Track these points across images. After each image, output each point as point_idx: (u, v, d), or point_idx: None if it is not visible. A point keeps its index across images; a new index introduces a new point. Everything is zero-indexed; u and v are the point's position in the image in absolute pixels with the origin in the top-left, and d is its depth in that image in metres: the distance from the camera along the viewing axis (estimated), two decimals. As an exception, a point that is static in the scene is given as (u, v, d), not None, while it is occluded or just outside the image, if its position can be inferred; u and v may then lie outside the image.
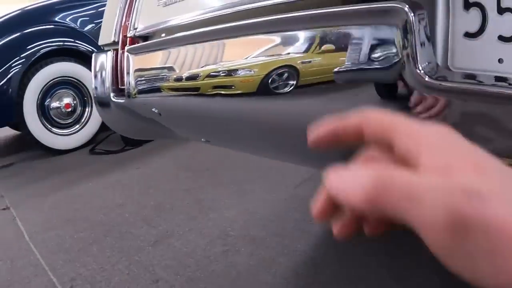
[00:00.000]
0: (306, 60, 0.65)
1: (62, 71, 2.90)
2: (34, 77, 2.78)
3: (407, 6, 0.48)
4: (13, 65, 2.71)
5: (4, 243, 1.76)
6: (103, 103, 1.18)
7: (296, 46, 0.64)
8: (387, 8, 0.50)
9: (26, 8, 3.04)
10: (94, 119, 3.05)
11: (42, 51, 2.79)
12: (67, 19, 3.02)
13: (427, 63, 0.49)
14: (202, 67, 0.81)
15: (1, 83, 2.69)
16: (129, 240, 1.59)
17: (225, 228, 1.55)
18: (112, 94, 1.11)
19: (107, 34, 1.13)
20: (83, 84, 3.02)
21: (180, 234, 1.57)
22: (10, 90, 2.71)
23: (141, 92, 1.01)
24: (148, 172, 2.39)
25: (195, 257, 1.40)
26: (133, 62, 1.01)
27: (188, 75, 0.89)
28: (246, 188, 1.89)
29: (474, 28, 0.48)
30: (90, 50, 3.01)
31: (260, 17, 0.68)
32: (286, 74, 0.68)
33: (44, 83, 2.82)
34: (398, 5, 0.49)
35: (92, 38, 3.05)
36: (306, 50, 0.64)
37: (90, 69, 3.02)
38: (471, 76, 0.47)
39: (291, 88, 0.67)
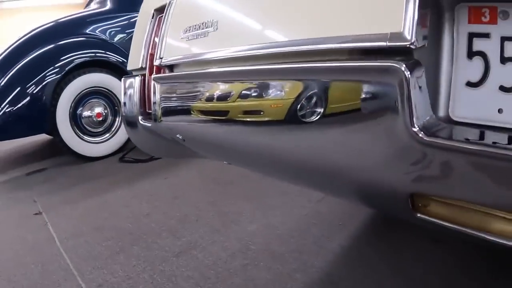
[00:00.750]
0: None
1: (94, 81, 3.04)
2: (67, 87, 2.92)
3: (404, 65, 0.50)
4: (47, 75, 2.86)
5: (36, 247, 1.86)
6: (131, 124, 1.26)
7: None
8: (384, 67, 0.52)
9: (60, 20, 3.21)
10: (124, 129, 3.16)
11: (75, 62, 2.93)
12: (98, 31, 3.16)
13: (423, 120, 0.51)
14: (224, 100, 0.86)
15: (36, 92, 2.84)
16: (154, 250, 1.66)
17: (247, 242, 1.60)
18: (140, 117, 1.19)
19: (135, 60, 1.21)
20: (114, 94, 3.15)
21: (203, 246, 1.62)
22: (45, 98, 2.85)
23: (166, 118, 1.07)
24: (175, 182, 2.47)
25: (216, 269, 1.45)
26: (159, 90, 1.07)
27: (211, 107, 0.94)
28: (268, 202, 1.93)
29: (476, 77, 0.52)
30: (121, 61, 3.14)
31: (272, 63, 0.72)
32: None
33: (76, 93, 2.96)
34: (395, 65, 0.50)
35: (122, 49, 3.18)
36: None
37: (120, 80, 3.14)
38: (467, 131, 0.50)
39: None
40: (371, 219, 1.66)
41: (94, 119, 3.09)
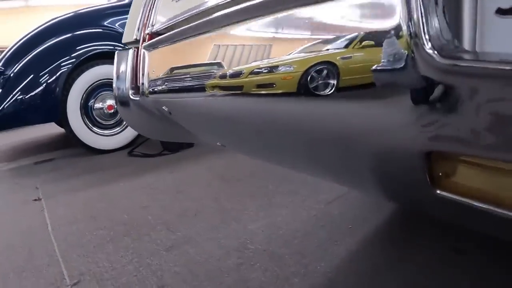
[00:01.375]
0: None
1: (107, 73, 2.98)
2: (79, 77, 2.87)
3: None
4: (61, 64, 2.83)
5: (27, 232, 1.77)
6: (123, 102, 1.16)
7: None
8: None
9: (79, 11, 3.18)
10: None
11: (90, 53, 2.88)
12: (116, 24, 3.11)
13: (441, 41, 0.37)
14: (213, 65, 0.74)
15: (49, 81, 2.81)
16: (145, 242, 1.54)
17: (245, 241, 1.46)
18: (130, 92, 1.08)
19: (130, 32, 1.11)
20: (128, 87, 3.07)
21: (197, 242, 1.49)
22: (57, 88, 2.82)
23: (153, 90, 0.95)
24: (180, 177, 2.35)
25: (207, 267, 1.31)
26: (148, 59, 0.97)
27: (199, 72, 0.82)
28: (276, 201, 1.78)
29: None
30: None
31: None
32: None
33: (89, 84, 2.91)
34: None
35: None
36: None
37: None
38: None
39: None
40: (386, 224, 1.49)
41: (105, 111, 3.02)
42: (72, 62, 2.83)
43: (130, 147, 3.04)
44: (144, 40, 1.06)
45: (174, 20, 0.88)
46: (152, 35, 1.00)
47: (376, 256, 1.27)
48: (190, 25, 0.81)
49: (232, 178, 2.19)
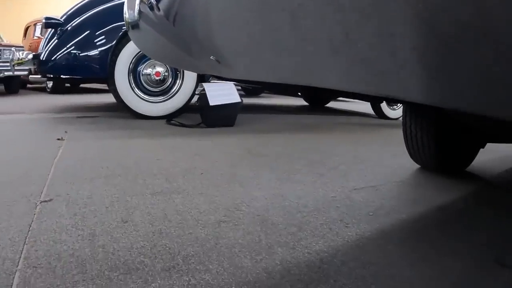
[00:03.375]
0: None
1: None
2: (131, 41, 2.85)
3: None
4: (115, 26, 2.85)
5: (34, 159, 1.70)
6: (134, 25, 1.06)
7: None
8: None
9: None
10: (181, 95, 3.01)
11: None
12: None
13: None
14: None
15: (102, 40, 2.85)
16: (137, 184, 1.37)
17: (241, 203, 1.23)
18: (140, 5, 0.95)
19: None
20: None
21: (188, 194, 1.29)
22: (109, 48, 2.85)
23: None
24: (207, 144, 2.20)
25: (184, 216, 1.10)
26: None
27: None
28: (296, 178, 1.55)
29: None
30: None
31: None
32: None
33: (139, 50, 2.87)
34: None
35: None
36: None
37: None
38: None
39: None
40: (417, 220, 1.19)
41: (153, 77, 2.97)
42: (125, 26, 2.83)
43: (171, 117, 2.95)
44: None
45: None
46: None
47: (392, 250, 0.99)
48: None
49: (259, 153, 1.98)
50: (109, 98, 4.31)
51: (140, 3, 1.01)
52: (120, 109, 3.12)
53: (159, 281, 0.78)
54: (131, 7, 1.08)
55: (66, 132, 2.36)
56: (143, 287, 0.76)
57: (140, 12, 1.02)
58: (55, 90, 5.87)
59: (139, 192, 1.29)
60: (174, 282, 0.78)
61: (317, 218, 1.14)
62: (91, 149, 1.95)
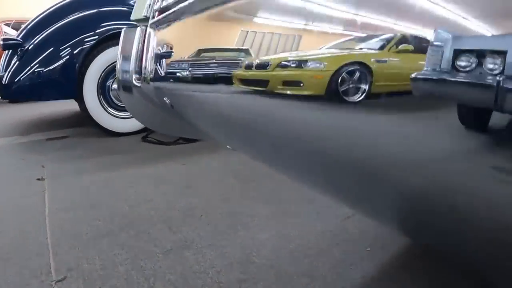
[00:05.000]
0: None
1: (130, 53, 2.86)
2: (99, 55, 2.76)
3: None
4: (81, 41, 2.73)
5: (24, 213, 1.67)
6: (126, 87, 1.02)
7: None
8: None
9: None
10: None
11: (111, 32, 2.77)
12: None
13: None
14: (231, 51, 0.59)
15: (67, 57, 2.72)
16: (142, 241, 1.41)
17: (250, 252, 1.31)
18: (134, 76, 0.94)
19: (140, 9, 0.96)
20: (148, 70, 2.96)
21: (198, 248, 1.35)
22: (75, 65, 2.73)
23: (155, 76, 0.81)
24: (192, 170, 2.21)
25: (205, 280, 1.17)
26: (153, 39, 0.82)
27: (211, 59, 0.67)
28: (290, 209, 1.63)
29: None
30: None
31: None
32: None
33: (108, 63, 2.79)
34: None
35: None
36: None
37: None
38: None
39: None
40: (409, 251, 1.32)
41: (123, 92, 2.91)
42: (93, 39, 2.72)
43: (145, 132, 2.93)
44: (152, 18, 0.91)
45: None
46: (161, 11, 0.85)
47: (398, 289, 1.11)
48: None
49: (246, 178, 2.04)
50: (70, 106, 4.16)
51: (135, 78, 1.01)
52: (87, 123, 3.04)
53: None
54: (125, 64, 1.06)
55: (43, 166, 2.30)
56: None
57: (136, 80, 1.02)
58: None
59: (150, 252, 1.33)
60: None
61: (324, 262, 1.24)
62: (76, 191, 1.92)
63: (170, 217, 1.59)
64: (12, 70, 2.73)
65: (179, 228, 1.50)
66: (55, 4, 2.92)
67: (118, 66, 1.05)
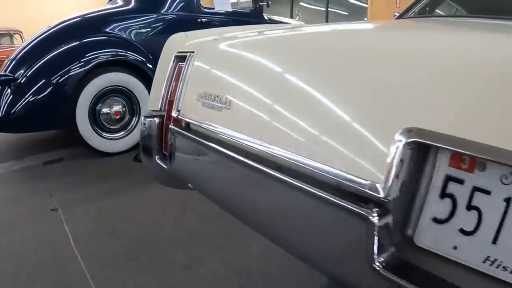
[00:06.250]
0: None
1: (114, 80, 3.14)
2: (88, 84, 3.03)
3: (373, 211, 0.59)
4: (70, 72, 2.98)
5: (52, 246, 1.99)
6: (149, 159, 1.37)
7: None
8: (358, 212, 0.61)
9: (85, 17, 3.31)
10: (139, 129, 3.30)
11: (97, 61, 3.03)
12: (120, 31, 3.26)
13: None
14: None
15: (59, 88, 2.97)
16: (164, 263, 1.78)
17: (244, 261, 1.72)
18: (156, 156, 1.29)
19: (155, 102, 1.30)
20: (132, 93, 3.25)
21: (212, 267, 1.74)
22: (67, 95, 2.99)
23: (178, 165, 1.16)
24: (191, 192, 2.56)
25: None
26: (174, 140, 1.16)
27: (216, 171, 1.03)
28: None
29: (442, 215, 0.60)
30: (140, 60, 3.23)
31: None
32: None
33: (97, 91, 3.07)
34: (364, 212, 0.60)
35: (142, 49, 3.27)
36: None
37: (139, 79, 3.23)
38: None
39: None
40: None
41: (112, 116, 3.21)
42: (81, 70, 2.98)
43: (134, 151, 3.25)
44: (169, 116, 1.26)
45: (198, 124, 1.07)
46: (177, 118, 1.19)
47: None
48: (212, 145, 1.00)
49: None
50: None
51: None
52: (78, 143, 3.32)
53: None
54: (148, 141, 1.39)
55: (51, 195, 2.60)
56: None
57: (157, 159, 1.35)
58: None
59: (173, 274, 1.71)
60: None
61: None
62: (92, 219, 2.25)
63: (180, 240, 1.96)
64: (7, 104, 2.95)
65: (189, 249, 1.88)
66: (39, 36, 3.14)
67: (141, 144, 1.38)
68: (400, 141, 0.56)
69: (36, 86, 2.95)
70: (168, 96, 1.28)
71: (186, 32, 1.33)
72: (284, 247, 0.87)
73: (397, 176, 0.57)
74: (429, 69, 0.64)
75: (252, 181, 0.85)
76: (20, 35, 7.80)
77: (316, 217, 0.68)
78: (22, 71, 2.97)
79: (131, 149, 3.29)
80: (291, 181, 0.71)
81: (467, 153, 0.58)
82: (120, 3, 3.58)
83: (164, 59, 1.35)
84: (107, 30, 3.24)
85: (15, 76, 2.95)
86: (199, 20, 3.72)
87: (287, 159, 0.73)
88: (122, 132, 3.28)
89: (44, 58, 2.98)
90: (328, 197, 0.63)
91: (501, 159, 0.55)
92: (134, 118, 3.32)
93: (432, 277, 0.62)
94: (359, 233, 0.59)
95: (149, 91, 3.14)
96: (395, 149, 0.56)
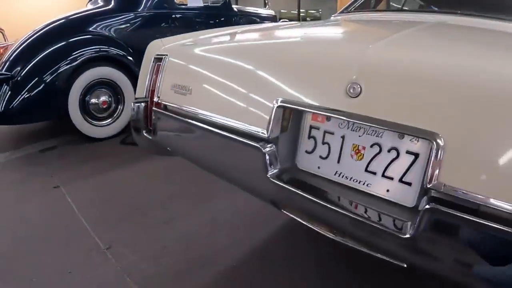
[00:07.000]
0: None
1: (100, 74, 3.56)
2: (77, 79, 3.45)
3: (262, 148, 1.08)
4: (61, 68, 3.39)
5: (60, 213, 2.43)
6: (138, 133, 1.82)
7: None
8: (254, 146, 1.10)
9: (70, 18, 3.70)
10: (124, 115, 3.73)
11: (83, 58, 3.45)
12: (102, 29, 3.68)
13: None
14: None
15: (52, 83, 3.38)
16: (148, 220, 2.25)
17: (215, 216, 2.20)
18: (143, 131, 1.74)
19: (141, 91, 1.75)
20: (118, 84, 3.69)
21: (183, 215, 2.22)
22: (59, 89, 3.40)
23: (159, 135, 1.63)
24: (168, 164, 3.03)
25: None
26: (156, 118, 1.62)
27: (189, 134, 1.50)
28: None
29: (310, 149, 1.09)
30: (121, 54, 3.65)
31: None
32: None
33: (85, 84, 3.49)
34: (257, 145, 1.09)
35: (123, 44, 3.69)
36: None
37: (122, 71, 3.68)
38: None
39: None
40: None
41: (100, 106, 3.63)
42: (70, 66, 3.39)
43: (120, 135, 3.68)
44: (152, 101, 1.71)
45: (173, 105, 1.54)
46: (158, 102, 1.64)
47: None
48: (183, 119, 1.47)
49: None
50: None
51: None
52: (68, 131, 3.72)
53: None
54: (137, 121, 1.85)
55: (52, 176, 3.03)
56: None
57: (145, 133, 1.82)
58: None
59: (158, 227, 2.18)
60: None
61: (260, 216, 2.15)
62: (89, 192, 2.69)
63: (163, 200, 2.43)
64: (6, 99, 3.33)
65: (169, 206, 2.35)
66: (30, 37, 3.52)
67: (132, 124, 1.82)
68: (275, 105, 1.05)
69: (31, 83, 3.34)
70: (151, 87, 1.73)
71: (162, 39, 1.77)
72: (217, 173, 1.37)
73: (274, 124, 1.06)
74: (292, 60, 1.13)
75: (203, 136, 1.33)
76: (1, 32, 7.99)
77: (236, 151, 1.17)
78: (18, 70, 3.35)
79: (118, 134, 3.73)
80: (221, 132, 1.20)
81: (319, 112, 1.07)
82: (100, 3, 3.97)
83: (146, 60, 1.79)
84: (90, 29, 3.64)
85: (12, 74, 3.32)
86: (173, 15, 4.14)
87: (219, 120, 1.21)
88: (109, 120, 3.70)
89: (36, 57, 3.37)
90: (241, 139, 1.12)
91: (336, 114, 1.04)
92: (119, 107, 3.74)
93: (306, 184, 1.11)
94: (257, 158, 1.07)
95: (131, 82, 3.61)
96: (272, 109, 1.04)
